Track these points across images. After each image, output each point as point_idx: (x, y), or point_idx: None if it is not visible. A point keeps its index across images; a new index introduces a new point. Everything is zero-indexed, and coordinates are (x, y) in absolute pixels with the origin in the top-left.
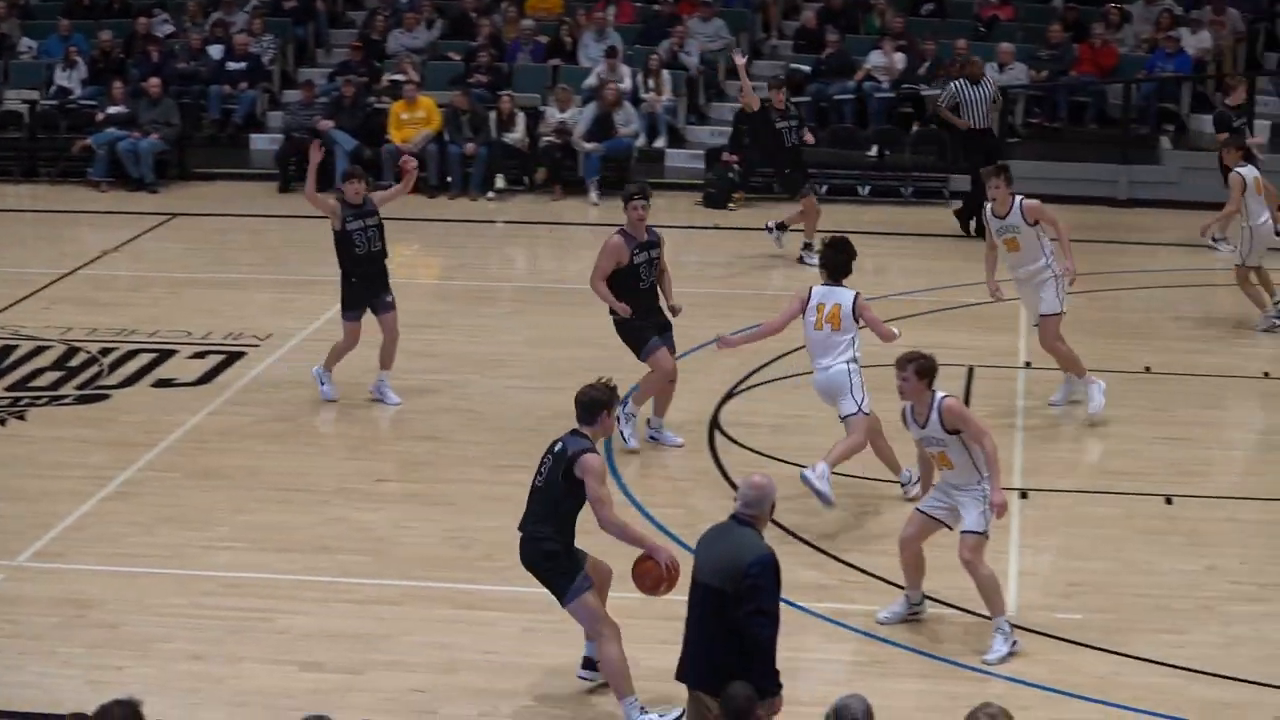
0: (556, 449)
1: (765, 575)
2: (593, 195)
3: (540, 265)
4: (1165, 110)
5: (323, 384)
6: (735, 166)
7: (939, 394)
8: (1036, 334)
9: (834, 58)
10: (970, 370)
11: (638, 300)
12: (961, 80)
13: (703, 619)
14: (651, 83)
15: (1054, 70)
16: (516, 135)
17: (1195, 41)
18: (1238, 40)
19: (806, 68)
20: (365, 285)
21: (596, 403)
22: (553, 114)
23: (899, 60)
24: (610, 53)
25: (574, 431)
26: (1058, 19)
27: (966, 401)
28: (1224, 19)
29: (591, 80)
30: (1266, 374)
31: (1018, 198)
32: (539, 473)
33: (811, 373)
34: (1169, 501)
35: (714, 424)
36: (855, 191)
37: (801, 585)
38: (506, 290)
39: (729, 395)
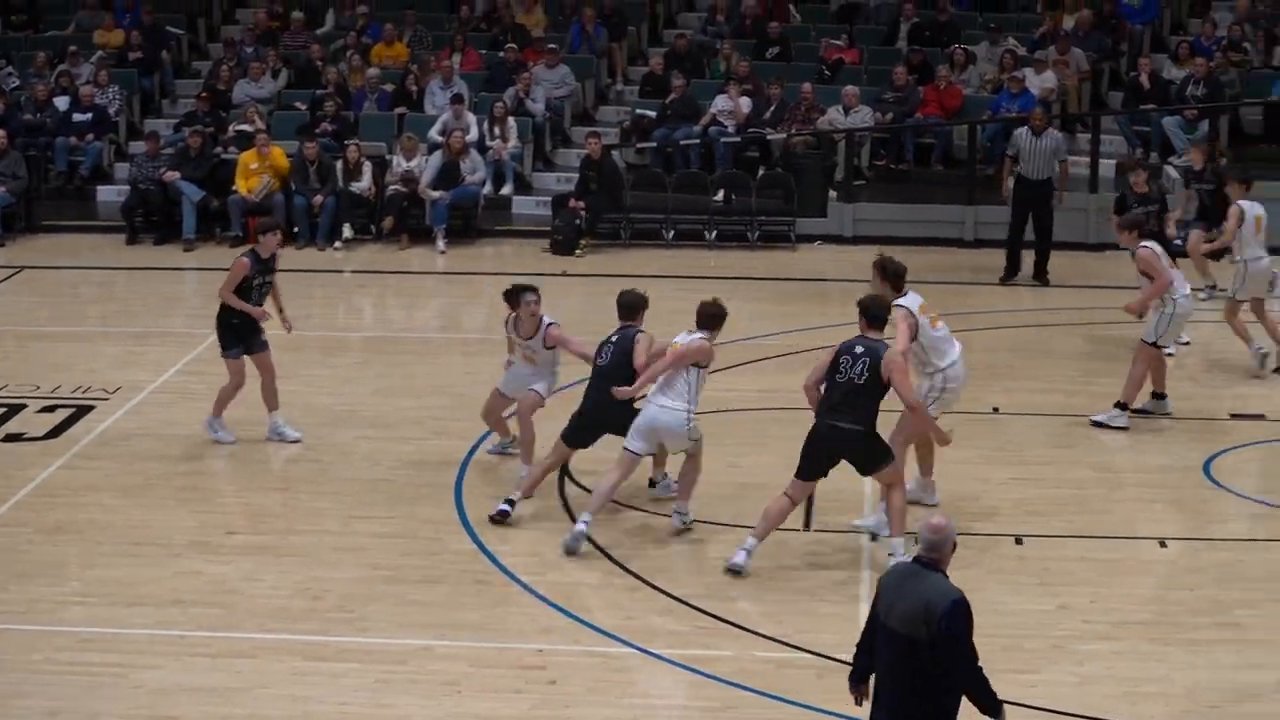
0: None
1: (960, 619)
2: (439, 244)
3: (388, 315)
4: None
5: (216, 431)
6: (582, 213)
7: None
8: None
9: (679, 103)
10: None
11: None
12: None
13: (893, 666)
14: (497, 130)
15: (899, 112)
16: (363, 184)
17: (1040, 81)
18: (1082, 79)
19: (652, 113)
20: (246, 326)
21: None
22: (399, 163)
23: (745, 104)
24: (456, 100)
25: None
26: (902, 61)
27: None
28: (1068, 59)
29: (437, 128)
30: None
31: None
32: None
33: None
34: (1019, 541)
35: (563, 471)
36: (702, 236)
37: (652, 632)
38: (355, 340)
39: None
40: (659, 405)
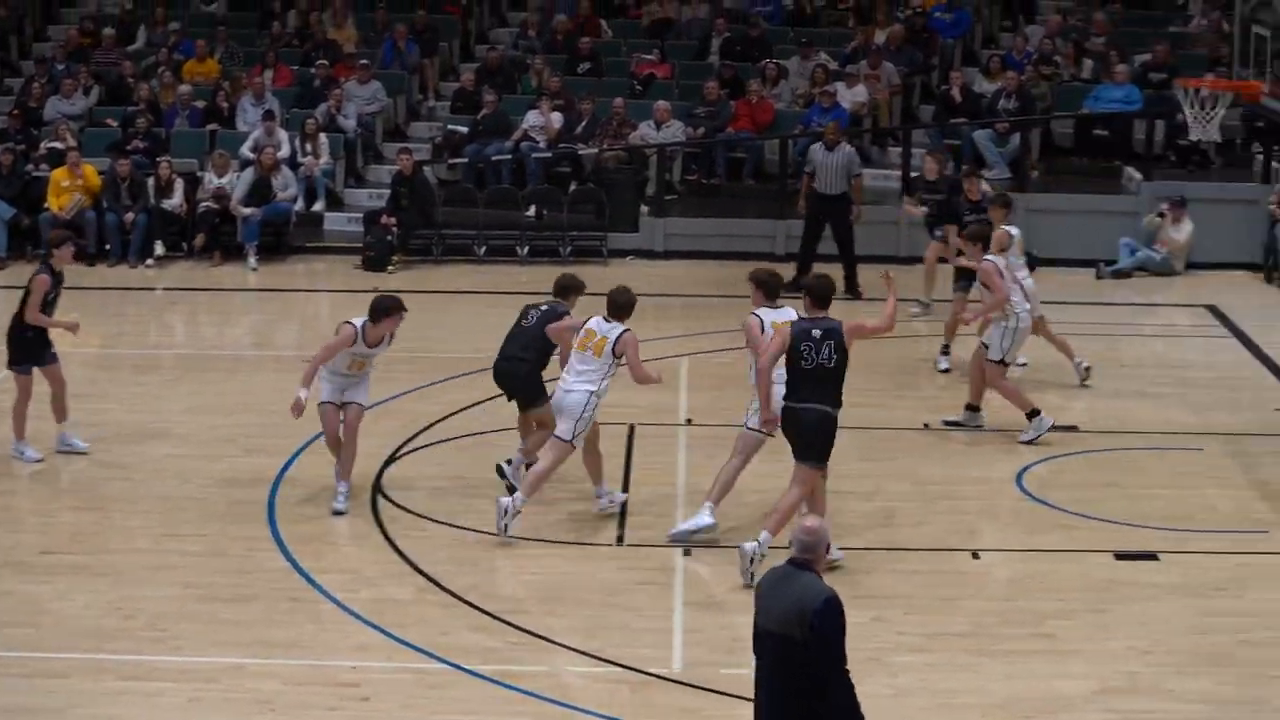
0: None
1: (833, 617)
2: (251, 261)
3: (200, 332)
4: None
5: (23, 452)
6: (394, 229)
7: None
8: (690, 391)
9: (491, 118)
10: (631, 428)
11: None
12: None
13: (773, 667)
14: (309, 146)
15: (711, 127)
16: (175, 201)
17: (851, 96)
18: (893, 93)
19: (464, 128)
20: (39, 340)
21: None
22: (211, 179)
23: (556, 120)
24: (268, 117)
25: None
26: (714, 76)
27: (628, 460)
28: (879, 73)
29: (249, 145)
30: (926, 425)
31: None
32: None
33: None
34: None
35: (376, 487)
36: (514, 252)
37: (466, 649)
38: (167, 357)
39: (391, 459)
40: (565, 390)
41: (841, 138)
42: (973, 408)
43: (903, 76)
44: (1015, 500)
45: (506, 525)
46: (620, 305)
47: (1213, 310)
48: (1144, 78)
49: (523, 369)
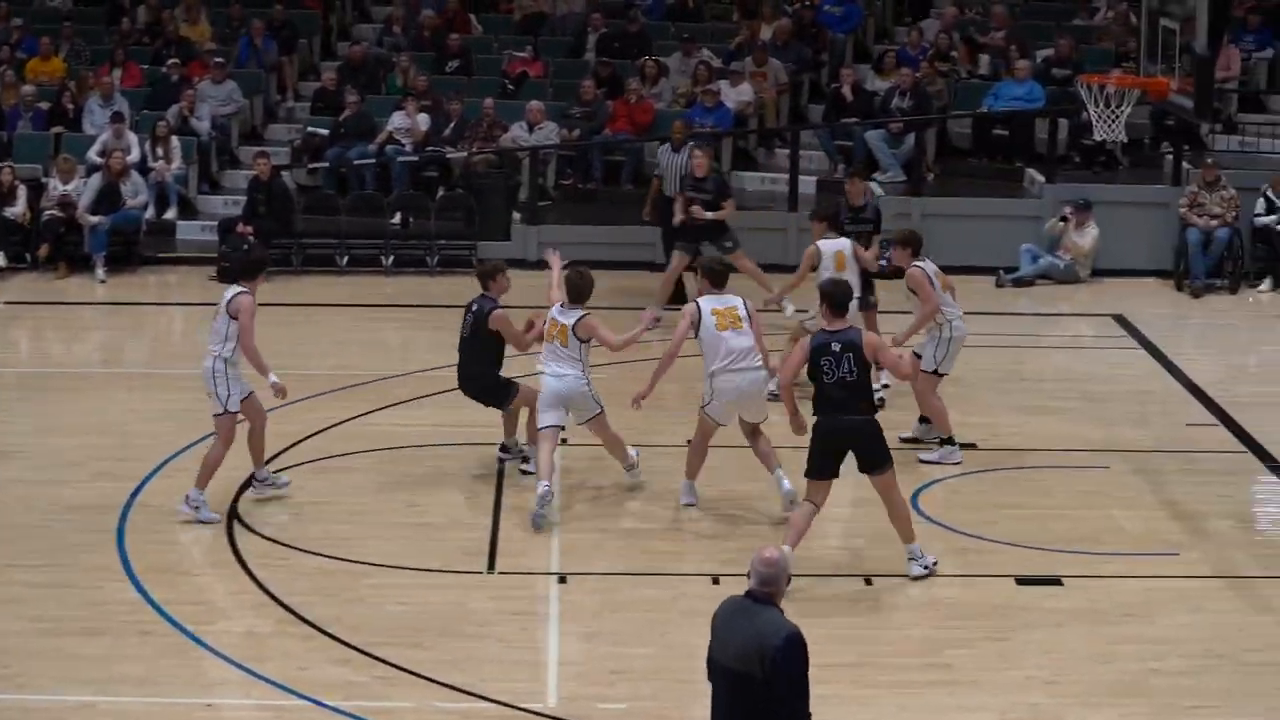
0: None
1: (796, 655)
2: (99, 272)
3: (45, 348)
4: None
5: None
6: (251, 238)
7: None
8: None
9: (354, 120)
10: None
11: None
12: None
13: (729, 705)
14: (160, 150)
15: (587, 129)
16: (17, 209)
17: (736, 95)
18: (781, 92)
19: (324, 131)
20: None
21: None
22: (55, 186)
23: (423, 121)
24: (116, 119)
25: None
26: (590, 74)
27: (499, 483)
28: (766, 70)
29: (96, 149)
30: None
31: None
32: None
33: None
34: (716, 581)
35: (233, 513)
36: (378, 262)
37: (327, 684)
38: (8, 376)
39: (247, 483)
40: (554, 375)
41: (690, 138)
42: (926, 419)
43: (790, 74)
44: (911, 522)
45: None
46: (577, 290)
47: (1119, 320)
48: (1046, 74)
49: (483, 382)
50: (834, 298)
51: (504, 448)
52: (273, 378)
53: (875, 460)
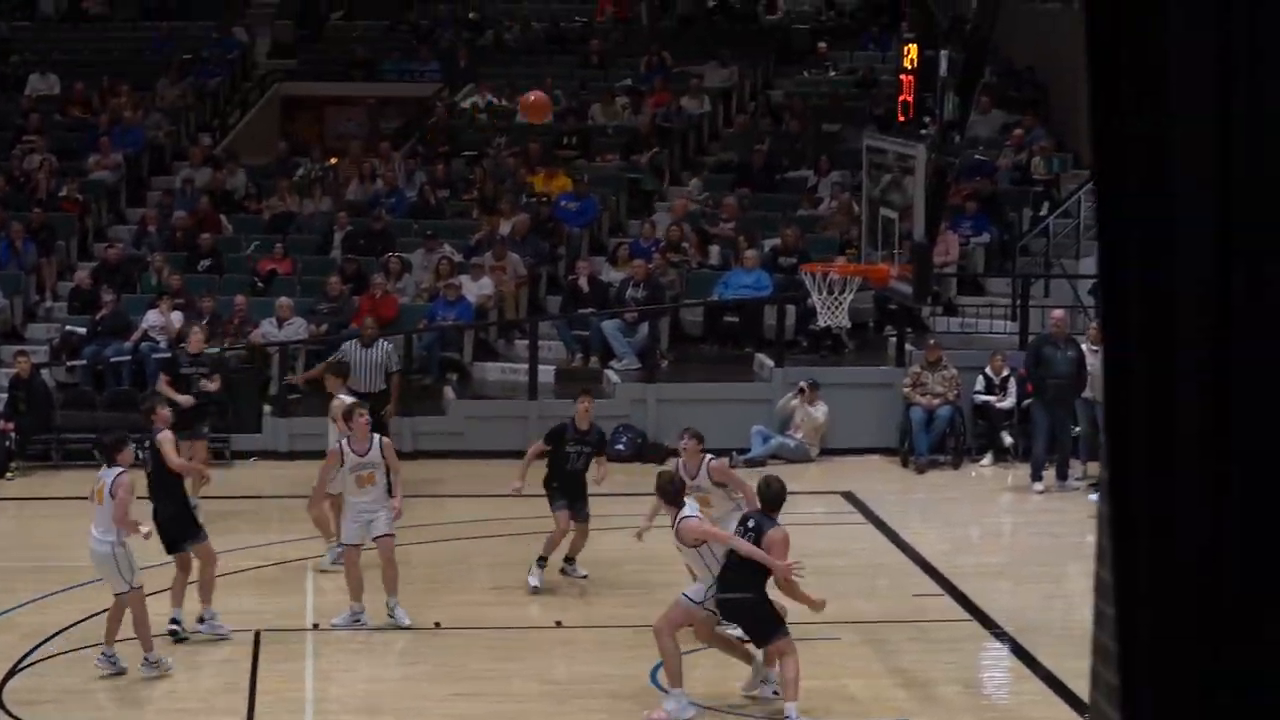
0: None
1: None
2: None
3: None
4: (448, 359)
5: None
6: (12, 434)
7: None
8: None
9: (110, 318)
10: (258, 634)
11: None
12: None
13: None
14: None
15: (334, 323)
16: None
17: (477, 288)
18: (520, 285)
19: (82, 329)
20: None
21: None
22: None
23: (177, 319)
24: None
25: None
26: (336, 271)
27: (254, 667)
28: (505, 264)
29: None
30: (559, 623)
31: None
32: None
33: None
34: None
35: None
36: (136, 455)
37: None
38: None
39: (13, 671)
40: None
41: (380, 334)
42: None
43: (529, 267)
44: (650, 696)
45: None
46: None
47: (848, 496)
48: (774, 263)
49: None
50: (765, 497)
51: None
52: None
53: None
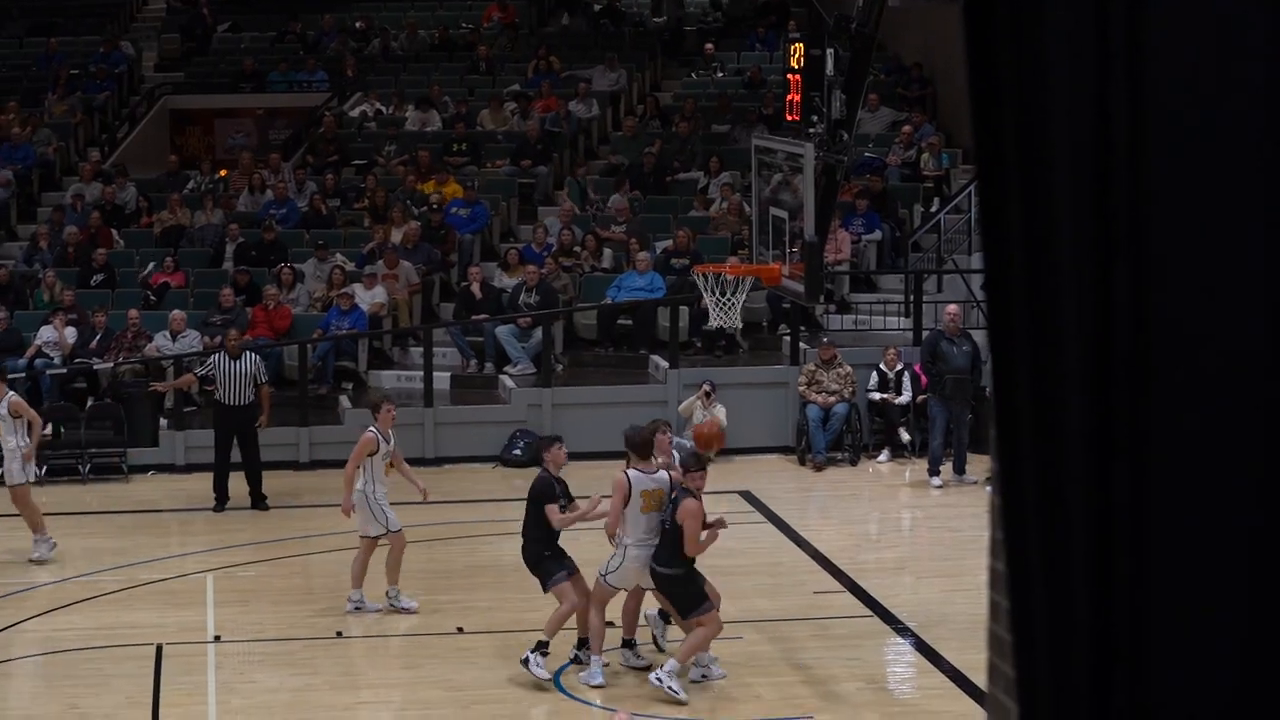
0: None
1: None
2: None
3: None
4: (343, 369)
5: None
6: None
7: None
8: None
9: (3, 335)
10: (160, 648)
11: None
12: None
13: None
14: None
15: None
16: None
17: (370, 296)
18: (413, 292)
19: None
20: None
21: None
22: None
23: (70, 334)
24: None
25: None
26: (229, 283)
27: (156, 681)
28: (397, 272)
29: None
30: (460, 629)
31: None
32: None
33: None
34: None
35: None
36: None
37: None
38: None
39: None
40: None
41: (247, 346)
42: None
43: (421, 274)
44: (557, 701)
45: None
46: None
47: (746, 496)
48: (666, 264)
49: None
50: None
51: None
52: None
53: None
